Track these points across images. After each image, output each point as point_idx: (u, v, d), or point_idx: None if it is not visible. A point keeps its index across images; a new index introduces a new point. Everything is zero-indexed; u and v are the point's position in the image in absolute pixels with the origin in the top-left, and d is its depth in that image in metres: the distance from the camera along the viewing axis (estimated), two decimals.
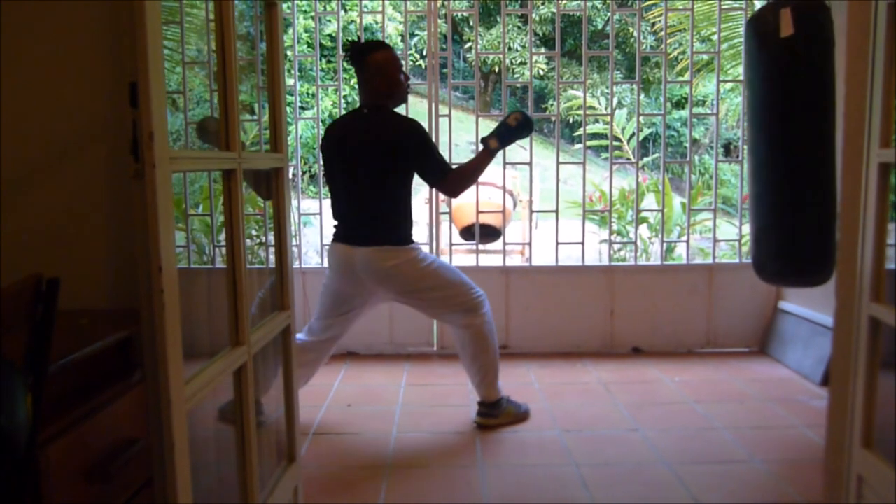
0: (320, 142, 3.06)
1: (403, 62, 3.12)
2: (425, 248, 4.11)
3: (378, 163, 2.78)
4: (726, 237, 5.04)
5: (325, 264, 4.35)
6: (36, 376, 0.93)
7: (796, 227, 2.71)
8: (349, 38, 2.98)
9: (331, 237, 2.96)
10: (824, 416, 2.09)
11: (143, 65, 0.97)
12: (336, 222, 2.94)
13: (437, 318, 3.03)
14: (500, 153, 3.02)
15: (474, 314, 2.92)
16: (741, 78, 4.26)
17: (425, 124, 4.09)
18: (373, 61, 2.82)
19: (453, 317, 2.94)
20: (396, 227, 2.85)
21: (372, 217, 2.83)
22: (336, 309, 2.96)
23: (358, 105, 2.96)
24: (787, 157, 2.70)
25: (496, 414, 3.02)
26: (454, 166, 2.96)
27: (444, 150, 4.12)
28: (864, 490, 1.78)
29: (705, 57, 6.87)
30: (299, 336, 2.99)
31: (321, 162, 3.10)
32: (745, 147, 3.10)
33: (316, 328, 3.01)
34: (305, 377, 3.02)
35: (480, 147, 2.92)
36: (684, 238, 4.41)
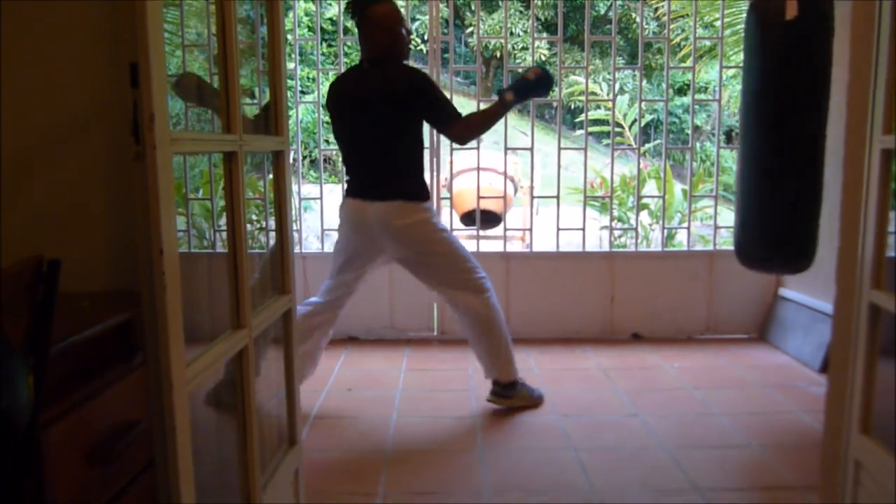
0: (324, 101, 3.03)
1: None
2: None
3: (383, 115, 2.75)
4: (727, 224, 5.03)
5: (326, 249, 4.36)
6: (37, 358, 0.94)
7: (784, 213, 2.72)
8: None
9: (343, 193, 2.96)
10: (822, 403, 2.09)
11: (144, 45, 0.96)
12: (348, 178, 2.92)
13: (439, 290, 2.98)
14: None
15: (477, 294, 2.90)
16: (743, 65, 4.24)
17: None
18: (373, 14, 2.78)
19: (455, 293, 2.90)
20: (408, 180, 2.82)
21: (382, 170, 2.81)
22: (346, 266, 2.95)
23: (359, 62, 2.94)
24: (779, 142, 2.71)
25: (510, 395, 3.01)
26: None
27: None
28: (861, 475, 1.79)
29: (708, 43, 6.84)
30: (304, 304, 2.99)
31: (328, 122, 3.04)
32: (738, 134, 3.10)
33: (323, 289, 3.00)
34: (312, 357, 2.98)
35: (496, 98, 2.87)
36: (685, 225, 4.40)
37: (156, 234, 1.00)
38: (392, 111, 2.75)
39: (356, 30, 2.88)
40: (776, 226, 2.75)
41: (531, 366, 3.62)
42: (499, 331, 2.94)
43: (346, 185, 2.95)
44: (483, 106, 4.16)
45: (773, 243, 2.79)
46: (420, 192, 2.84)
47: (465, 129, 2.80)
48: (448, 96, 4.05)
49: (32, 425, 0.91)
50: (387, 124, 2.77)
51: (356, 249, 2.92)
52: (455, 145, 4.10)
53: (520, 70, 13.08)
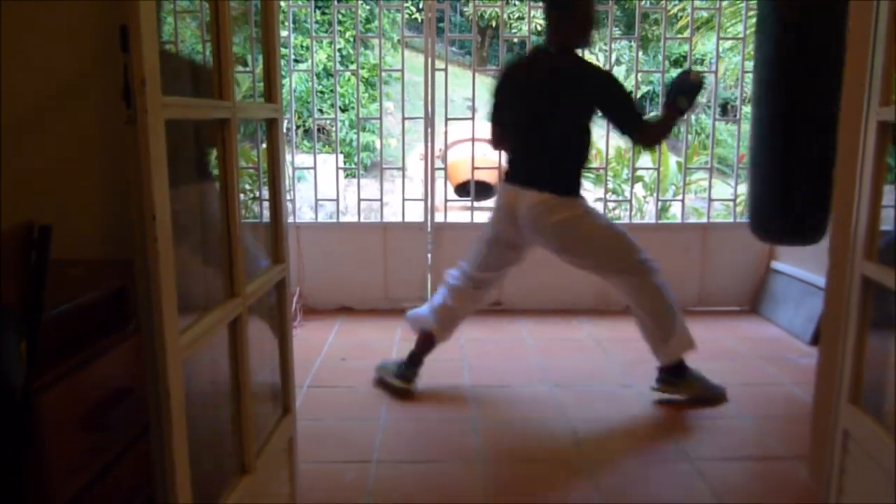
0: (497, 81, 2.94)
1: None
2: (420, 205, 4.12)
3: (561, 108, 2.68)
4: (721, 197, 5.03)
5: (320, 219, 4.35)
6: (30, 323, 0.93)
7: (802, 182, 2.69)
8: None
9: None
10: (813, 374, 2.12)
11: (134, 8, 0.94)
12: (510, 164, 2.85)
13: (605, 279, 2.89)
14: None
15: (638, 276, 2.74)
16: (741, 36, 4.21)
17: (420, 79, 4.05)
18: (583, 5, 2.69)
19: (617, 278, 2.81)
20: (566, 174, 2.73)
21: (545, 160, 2.73)
22: (495, 259, 2.87)
23: (538, 47, 2.87)
24: (797, 109, 2.68)
25: (676, 383, 2.81)
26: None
27: (439, 106, 4.09)
28: (849, 444, 1.81)
29: (705, 14, 6.78)
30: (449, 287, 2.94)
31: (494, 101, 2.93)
32: (751, 103, 3.04)
33: (469, 276, 2.90)
34: (453, 324, 2.94)
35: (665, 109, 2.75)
36: (679, 197, 4.40)
37: (148, 200, 0.99)
38: (572, 103, 2.68)
39: (548, 11, 2.76)
40: (793, 196, 2.71)
41: (524, 336, 3.63)
42: (664, 311, 2.76)
43: (506, 172, 2.86)
44: (478, 76, 4.16)
45: (790, 214, 2.75)
46: (575, 188, 2.74)
47: (651, 137, 2.76)
48: (443, 66, 4.04)
49: (26, 390, 0.91)
50: (567, 114, 2.69)
51: (506, 239, 2.83)
52: (450, 115, 4.08)
53: (515, 40, 12.88)
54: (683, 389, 2.81)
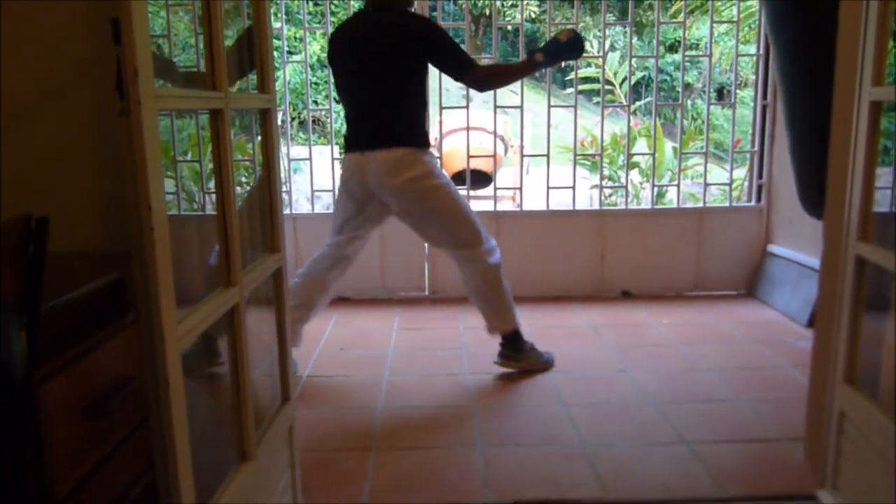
0: (327, 52, 2.98)
1: None
2: None
3: (390, 60, 2.69)
4: (717, 181, 5.04)
5: (316, 210, 4.35)
6: (29, 315, 0.94)
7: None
8: None
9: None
10: (809, 357, 2.13)
11: (126, 0, 0.95)
12: (348, 133, 2.85)
13: (439, 247, 2.95)
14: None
15: (476, 247, 2.84)
16: (735, 19, 4.21)
17: None
18: None
19: (454, 249, 2.87)
20: (410, 128, 2.75)
21: (384, 119, 2.74)
22: (348, 223, 2.89)
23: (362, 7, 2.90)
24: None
25: (517, 357, 2.98)
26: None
27: (433, 94, 4.08)
28: (844, 425, 1.83)
29: None
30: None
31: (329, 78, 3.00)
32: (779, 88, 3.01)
33: (331, 244, 2.94)
34: (314, 300, 2.94)
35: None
36: (675, 182, 4.41)
37: (143, 190, 1.00)
38: (400, 57, 2.68)
39: None
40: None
41: (521, 323, 3.64)
42: (500, 284, 2.90)
43: (345, 141, 2.87)
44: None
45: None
46: (422, 141, 2.77)
47: (486, 76, 2.76)
48: None
49: (27, 380, 0.92)
50: (392, 70, 2.70)
51: (357, 208, 2.85)
52: (445, 104, 4.07)
53: (509, 28, 12.79)
54: (522, 361, 2.99)
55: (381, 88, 2.74)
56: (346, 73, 2.83)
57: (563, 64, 3.08)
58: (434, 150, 2.96)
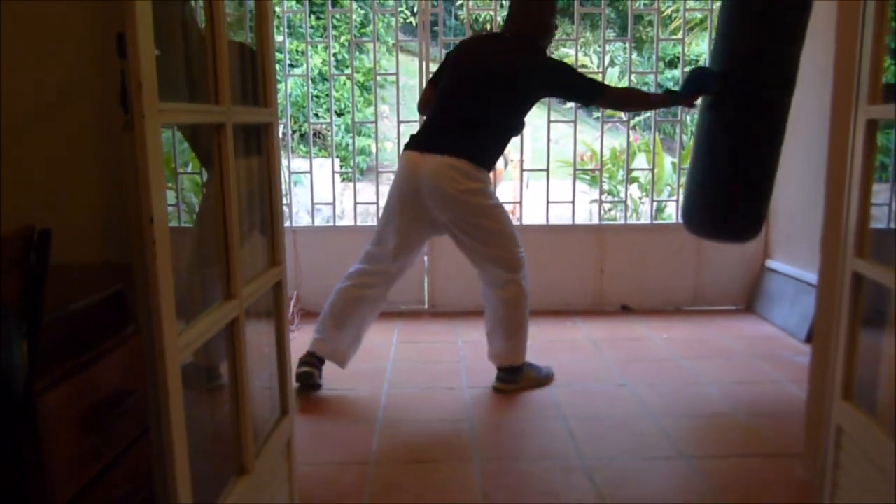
0: (452, 50, 2.99)
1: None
2: None
3: (498, 87, 2.71)
4: None
5: (317, 223, 4.36)
6: (30, 325, 0.95)
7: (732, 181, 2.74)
8: None
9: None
10: (808, 372, 2.14)
11: (131, 14, 0.96)
12: (417, 133, 2.84)
13: (477, 265, 2.88)
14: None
15: (515, 274, 2.84)
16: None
17: (415, 82, 4.07)
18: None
19: (493, 269, 2.84)
20: (483, 149, 2.75)
21: (467, 133, 2.71)
22: (396, 233, 2.82)
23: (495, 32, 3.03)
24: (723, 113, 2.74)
25: (517, 380, 2.95)
26: None
27: None
28: (842, 440, 1.83)
29: (699, 15, 6.82)
30: (348, 277, 2.92)
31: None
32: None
33: (372, 257, 2.89)
34: (364, 321, 2.92)
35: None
36: (674, 198, 4.42)
37: (146, 203, 1.01)
38: (517, 89, 2.72)
39: (512, 2, 2.86)
40: (717, 195, 2.78)
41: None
42: (524, 316, 2.90)
43: (411, 137, 2.84)
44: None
45: (712, 213, 2.82)
46: (485, 160, 2.75)
47: (618, 98, 2.82)
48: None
49: (28, 391, 0.93)
50: (499, 94, 2.72)
51: (406, 209, 2.79)
52: None
53: None
54: (523, 383, 2.95)
55: (483, 108, 2.73)
56: (457, 79, 2.81)
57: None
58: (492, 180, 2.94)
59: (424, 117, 2.92)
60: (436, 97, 2.85)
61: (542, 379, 3.02)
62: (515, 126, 2.83)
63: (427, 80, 3.90)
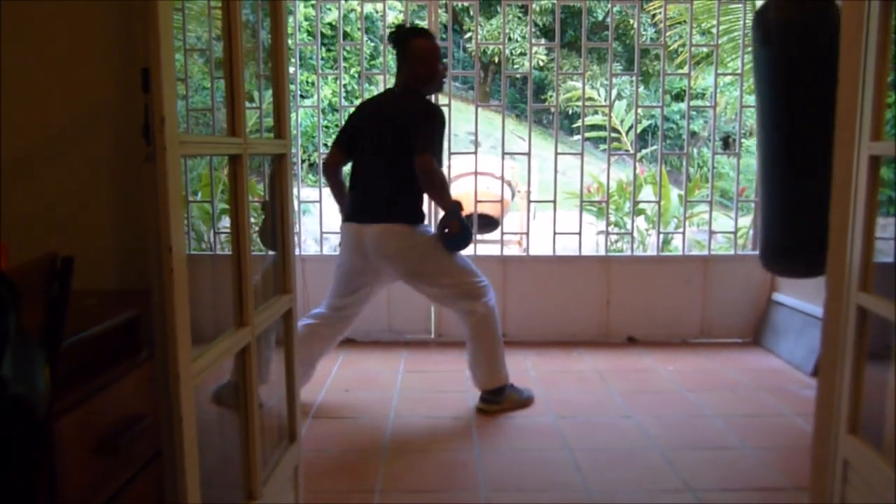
0: (349, 120, 3.12)
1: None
2: None
3: (394, 141, 2.86)
4: (722, 229, 5.08)
5: (325, 252, 4.40)
6: (51, 350, 0.97)
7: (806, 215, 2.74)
8: (394, 23, 3.08)
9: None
10: (814, 406, 2.14)
11: (156, 51, 1.00)
12: (350, 202, 3.01)
13: (441, 304, 3.09)
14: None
15: (477, 301, 2.96)
16: (740, 71, 4.30)
17: None
18: (416, 47, 2.92)
19: (457, 303, 2.99)
20: (406, 204, 2.92)
21: (381, 194, 2.91)
22: (349, 286, 3.02)
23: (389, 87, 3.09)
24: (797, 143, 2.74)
25: (499, 401, 3.04)
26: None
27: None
28: (849, 474, 1.83)
29: (705, 50, 6.89)
30: (310, 316, 3.07)
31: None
32: (755, 139, 3.11)
33: (330, 306, 3.07)
34: (313, 358, 3.03)
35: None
36: (681, 230, 4.44)
37: (165, 233, 1.04)
38: (402, 141, 2.84)
39: (395, 58, 3.00)
40: (799, 228, 2.77)
41: (527, 367, 3.65)
42: (496, 340, 3.01)
43: (346, 210, 3.02)
44: (481, 112, 4.24)
45: (797, 245, 2.81)
46: (416, 216, 2.95)
47: (430, 167, 2.81)
48: (447, 102, 4.12)
49: (47, 415, 0.95)
50: (395, 149, 2.86)
51: (355, 269, 3.00)
52: (454, 149, 4.14)
53: (517, 76, 12.98)
54: (505, 404, 3.04)
55: (385, 165, 2.90)
56: (365, 143, 2.97)
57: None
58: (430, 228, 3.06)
59: (350, 187, 3.05)
60: (354, 165, 3.04)
61: (524, 401, 3.11)
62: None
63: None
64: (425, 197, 2.99)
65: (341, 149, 3.04)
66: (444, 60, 3.06)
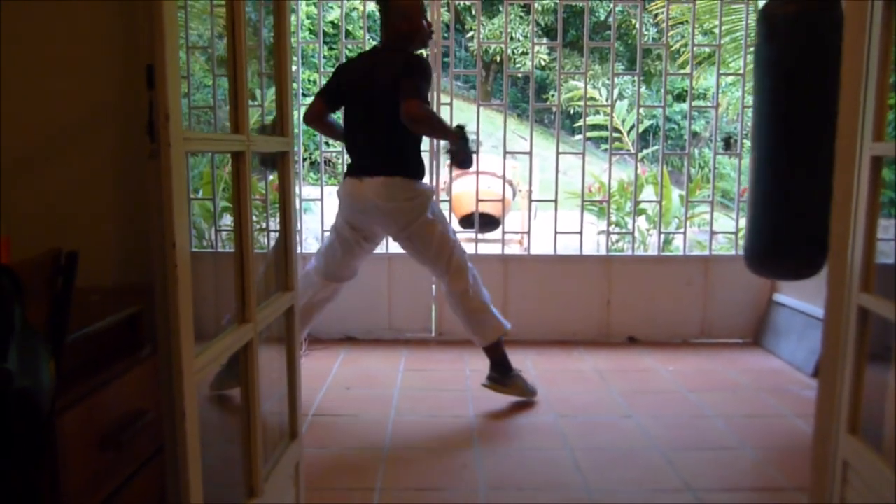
0: (329, 80, 3.15)
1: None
2: None
3: (384, 97, 2.86)
4: (724, 230, 5.08)
5: None
6: (55, 345, 0.98)
7: (793, 217, 2.76)
8: None
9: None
10: (814, 406, 2.14)
11: (161, 48, 1.00)
12: (350, 159, 3.05)
13: (423, 264, 3.16)
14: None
15: (457, 274, 3.01)
16: (741, 72, 4.30)
17: None
18: (398, 4, 2.95)
19: (439, 270, 3.05)
20: (405, 159, 2.95)
21: (380, 148, 2.94)
22: (343, 246, 3.08)
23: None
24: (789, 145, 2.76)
25: (505, 383, 3.09)
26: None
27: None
28: (848, 474, 1.83)
29: (707, 50, 6.90)
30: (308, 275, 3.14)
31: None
32: (749, 141, 3.14)
33: (325, 272, 3.12)
34: (311, 316, 3.13)
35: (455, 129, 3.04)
36: (682, 230, 4.45)
37: (169, 229, 1.04)
38: (392, 92, 2.84)
39: (379, 15, 3.04)
40: (786, 230, 2.79)
41: (528, 367, 3.65)
42: (478, 304, 3.05)
43: (345, 167, 3.07)
44: (483, 110, 4.24)
45: (782, 248, 2.83)
46: (417, 172, 2.98)
47: (417, 111, 2.81)
48: (449, 100, 4.12)
49: (51, 409, 0.95)
50: (386, 105, 2.86)
51: (354, 224, 3.04)
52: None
53: (519, 75, 13.00)
54: (509, 387, 3.10)
55: (378, 120, 2.93)
56: (353, 100, 3.02)
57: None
58: (432, 185, 3.12)
59: (347, 147, 3.11)
60: (347, 124, 3.08)
61: (528, 393, 3.14)
62: None
63: (436, 110, 3.97)
64: (424, 149, 3.05)
65: (324, 101, 3.07)
66: (427, 17, 3.06)
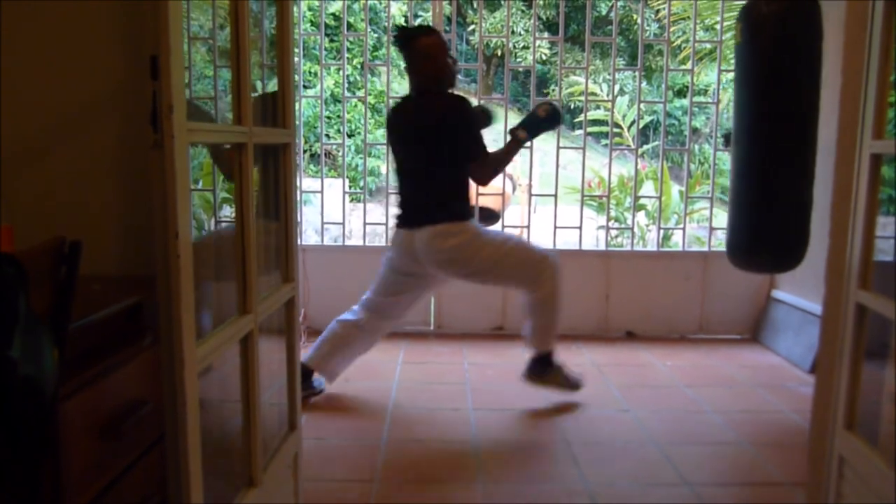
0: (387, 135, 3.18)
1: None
2: None
3: (425, 145, 2.85)
4: (723, 226, 5.08)
5: (325, 242, 4.41)
6: (59, 333, 0.98)
7: (772, 211, 2.81)
8: (396, 24, 3.09)
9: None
10: (811, 402, 2.15)
11: (165, 39, 1.01)
12: (399, 209, 3.02)
13: (509, 288, 3.14)
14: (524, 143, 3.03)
15: (537, 283, 2.93)
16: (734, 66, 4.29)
17: None
18: (420, 46, 2.87)
19: (519, 286, 3.00)
20: (450, 205, 2.89)
21: (425, 198, 2.91)
22: (392, 286, 3.02)
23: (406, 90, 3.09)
24: (768, 142, 2.81)
25: (543, 376, 3.04)
26: None
27: None
28: (844, 470, 1.84)
29: (708, 46, 6.88)
30: (349, 314, 3.08)
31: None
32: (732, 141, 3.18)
33: (371, 307, 3.05)
34: (353, 354, 3.09)
35: (509, 138, 2.95)
36: (681, 226, 4.45)
37: (172, 219, 1.05)
38: (432, 142, 2.83)
39: (403, 62, 3.00)
40: (764, 224, 2.83)
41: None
42: (550, 313, 2.98)
43: (397, 217, 3.03)
44: (484, 103, 4.23)
45: (761, 241, 2.88)
46: (462, 213, 2.91)
47: (488, 168, 2.86)
48: None
49: (54, 396, 0.96)
50: (428, 155, 2.86)
51: (402, 270, 2.99)
52: None
53: (520, 69, 12.98)
54: (550, 380, 3.05)
55: (422, 170, 2.91)
56: (397, 155, 3.03)
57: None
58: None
59: (398, 198, 3.08)
60: (397, 175, 3.08)
61: (571, 384, 3.09)
62: (462, 167, 2.89)
63: None
64: (471, 194, 2.98)
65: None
66: (451, 53, 3.02)
